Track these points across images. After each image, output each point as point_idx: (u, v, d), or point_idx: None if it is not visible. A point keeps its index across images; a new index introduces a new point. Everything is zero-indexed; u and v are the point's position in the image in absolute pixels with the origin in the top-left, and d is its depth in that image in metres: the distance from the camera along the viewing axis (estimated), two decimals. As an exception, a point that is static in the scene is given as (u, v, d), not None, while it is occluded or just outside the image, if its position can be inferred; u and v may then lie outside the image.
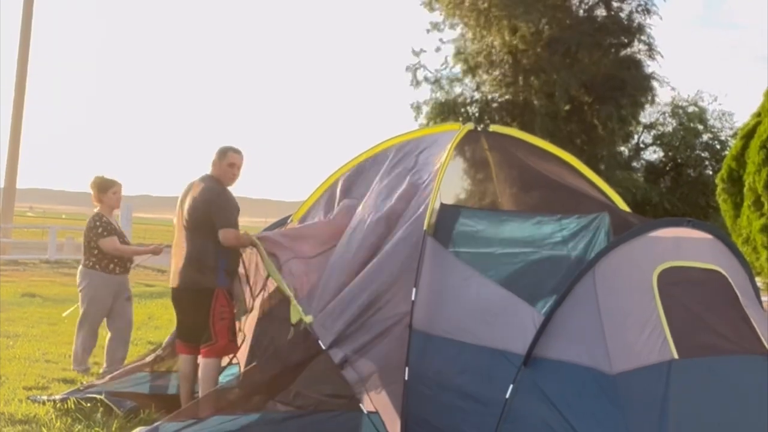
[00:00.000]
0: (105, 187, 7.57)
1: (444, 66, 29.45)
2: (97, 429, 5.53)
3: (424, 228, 5.32)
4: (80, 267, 7.64)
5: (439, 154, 5.76)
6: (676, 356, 4.49)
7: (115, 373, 6.54)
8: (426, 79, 29.48)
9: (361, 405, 5.15)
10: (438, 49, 29.51)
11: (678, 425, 4.29)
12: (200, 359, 5.81)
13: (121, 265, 7.52)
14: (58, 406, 5.98)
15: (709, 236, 5.17)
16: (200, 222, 5.81)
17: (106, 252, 7.40)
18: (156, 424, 5.07)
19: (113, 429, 5.49)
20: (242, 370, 6.83)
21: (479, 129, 6.34)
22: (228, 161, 5.99)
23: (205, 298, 5.78)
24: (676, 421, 4.29)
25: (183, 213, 5.97)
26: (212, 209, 5.77)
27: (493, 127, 6.49)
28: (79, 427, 5.54)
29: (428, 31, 29.35)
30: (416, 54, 29.44)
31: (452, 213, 5.69)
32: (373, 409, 5.07)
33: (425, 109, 29.26)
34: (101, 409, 5.87)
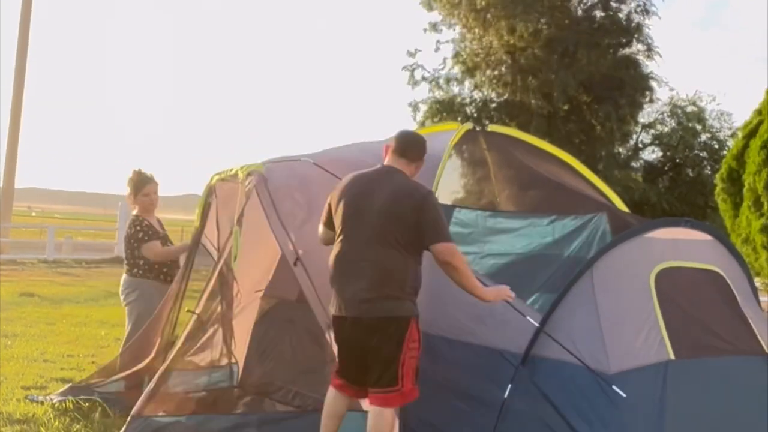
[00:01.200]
0: (137, 187, 6.65)
1: (442, 66, 29.46)
2: (95, 429, 5.53)
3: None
4: (124, 276, 6.67)
5: (438, 154, 5.77)
6: (672, 357, 4.49)
7: (116, 377, 6.42)
8: (424, 78, 29.49)
9: (361, 405, 5.16)
10: (437, 50, 29.50)
11: (675, 425, 4.30)
12: (371, 407, 4.52)
13: (171, 273, 6.54)
14: (56, 405, 5.98)
15: (707, 236, 5.18)
16: (405, 233, 4.47)
17: (150, 258, 6.52)
18: (151, 415, 5.02)
19: (111, 429, 5.49)
20: (241, 370, 6.84)
21: (478, 129, 6.35)
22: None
23: (397, 330, 4.46)
24: (673, 421, 4.30)
25: (368, 214, 4.53)
26: (428, 219, 4.45)
27: (491, 127, 6.50)
28: (77, 426, 5.53)
29: (425, 31, 29.36)
30: (412, 55, 29.46)
31: (449, 213, 5.70)
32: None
33: (423, 108, 29.27)
34: (99, 409, 5.86)
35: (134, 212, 6.70)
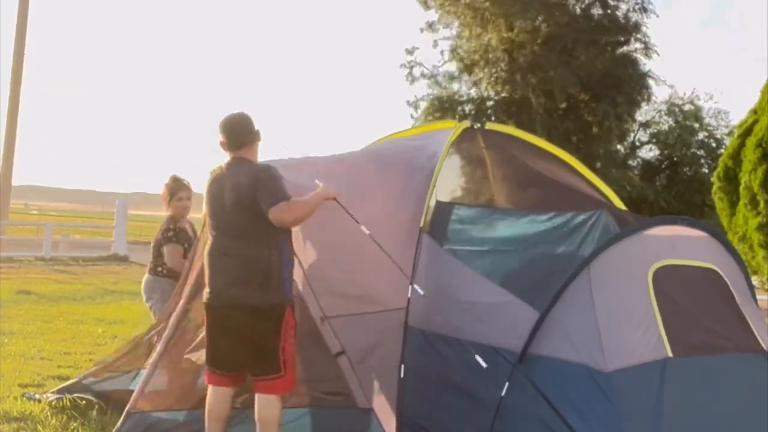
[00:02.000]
0: (173, 192, 6.72)
1: (441, 62, 29.47)
2: (92, 426, 5.53)
3: (420, 225, 5.32)
4: (146, 276, 6.72)
5: (435, 152, 5.76)
6: (670, 354, 4.49)
7: (107, 365, 6.38)
8: (423, 75, 29.50)
9: (356, 402, 5.16)
10: (435, 44, 29.51)
11: (672, 423, 4.29)
12: (260, 396, 4.67)
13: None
14: (53, 403, 5.97)
15: (704, 234, 5.18)
16: (255, 220, 4.61)
17: (167, 261, 6.51)
18: (146, 410, 5.01)
19: (108, 426, 5.49)
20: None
21: (476, 127, 6.35)
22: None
23: (271, 317, 4.62)
24: (671, 419, 4.30)
25: (227, 209, 4.71)
26: (263, 189, 4.59)
27: (489, 125, 6.49)
28: (74, 424, 5.53)
29: (422, 30, 29.37)
30: (410, 52, 29.46)
31: (447, 210, 5.70)
32: (368, 406, 5.07)
33: (422, 105, 29.28)
34: (96, 407, 5.85)
35: (170, 213, 6.78)
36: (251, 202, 4.57)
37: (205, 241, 4.98)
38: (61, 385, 6.39)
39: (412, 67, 29.47)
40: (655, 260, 4.77)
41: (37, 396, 6.20)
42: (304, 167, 5.62)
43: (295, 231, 5.11)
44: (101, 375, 6.29)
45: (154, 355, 5.17)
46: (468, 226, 5.57)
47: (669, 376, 4.41)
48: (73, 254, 22.84)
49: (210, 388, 4.76)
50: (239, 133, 4.82)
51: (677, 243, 5.00)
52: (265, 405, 4.63)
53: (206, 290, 4.72)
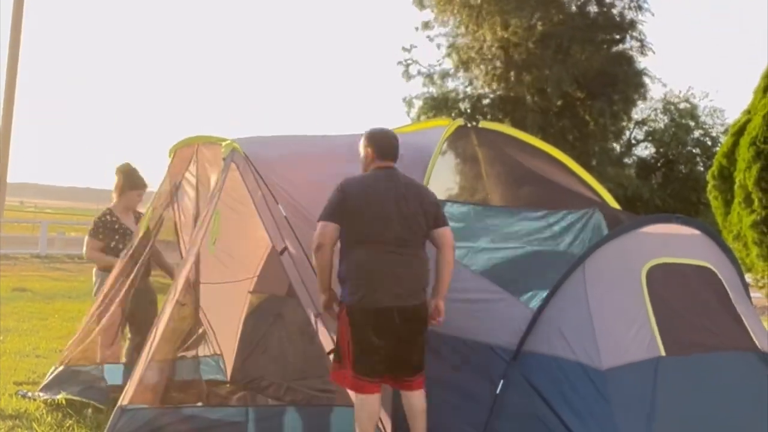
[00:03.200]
0: (133, 185, 6.67)
1: (439, 62, 29.46)
2: (87, 424, 5.52)
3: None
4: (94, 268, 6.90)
5: (429, 150, 5.77)
6: (663, 353, 4.51)
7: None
8: (419, 72, 29.50)
9: (352, 400, 5.16)
10: (431, 40, 29.48)
11: (666, 421, 4.31)
12: (413, 393, 4.70)
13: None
14: (48, 401, 5.96)
15: (698, 232, 5.19)
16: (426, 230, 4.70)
17: (84, 252, 6.74)
18: (139, 405, 4.96)
19: (104, 424, 5.49)
20: (231, 366, 6.85)
21: (469, 125, 6.36)
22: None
23: (425, 319, 4.74)
24: (664, 417, 4.31)
25: (405, 215, 4.63)
26: (440, 214, 4.76)
27: (482, 123, 6.51)
28: (70, 422, 5.53)
29: (417, 29, 29.37)
30: (407, 50, 29.46)
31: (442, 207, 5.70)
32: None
33: (417, 103, 29.29)
34: (91, 407, 5.84)
35: (112, 204, 6.76)
36: (428, 218, 4.66)
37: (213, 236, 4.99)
38: (50, 373, 6.34)
39: (408, 65, 29.47)
40: (649, 258, 4.78)
41: (30, 394, 6.19)
42: (299, 162, 5.61)
43: (287, 229, 5.10)
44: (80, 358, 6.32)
45: (145, 349, 5.13)
46: (461, 224, 5.58)
47: (662, 374, 4.42)
48: (69, 252, 22.79)
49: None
50: (396, 144, 4.87)
51: (671, 241, 5.01)
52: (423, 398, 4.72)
53: (370, 295, 4.57)
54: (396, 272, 4.57)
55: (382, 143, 4.84)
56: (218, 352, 6.88)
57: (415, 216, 4.63)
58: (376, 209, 4.60)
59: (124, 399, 4.88)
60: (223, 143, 5.43)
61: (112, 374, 6.28)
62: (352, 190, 4.64)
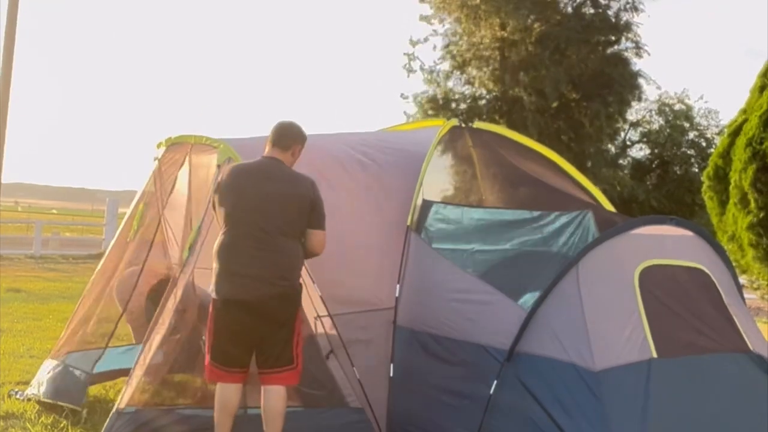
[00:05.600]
0: None
1: (440, 61, 29.44)
2: (83, 426, 5.51)
3: (408, 224, 5.33)
4: None
5: (423, 150, 5.77)
6: (655, 355, 4.52)
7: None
8: (421, 68, 29.47)
9: (347, 401, 5.16)
10: (427, 39, 29.45)
11: (658, 423, 4.32)
12: (270, 388, 4.69)
13: None
14: (42, 401, 5.94)
15: (692, 234, 5.20)
16: (296, 220, 4.69)
17: None
18: (136, 406, 4.95)
19: (99, 426, 5.47)
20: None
21: (463, 126, 6.37)
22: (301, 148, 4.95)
23: (293, 309, 4.71)
24: (657, 419, 4.32)
25: (260, 207, 4.65)
26: (316, 207, 4.73)
27: (477, 124, 6.52)
28: (65, 423, 5.52)
29: (420, 19, 29.34)
30: (413, 43, 29.40)
31: (435, 209, 5.72)
32: (359, 406, 5.08)
33: (416, 101, 29.25)
34: (85, 408, 5.82)
35: None
36: (299, 214, 4.64)
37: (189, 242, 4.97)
38: (43, 367, 6.31)
39: (411, 60, 29.43)
40: (642, 260, 4.79)
41: (20, 394, 6.17)
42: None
43: None
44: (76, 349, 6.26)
45: (142, 356, 5.11)
46: (455, 225, 5.59)
47: (654, 376, 4.43)
48: (63, 252, 22.73)
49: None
50: (291, 134, 4.86)
51: (665, 243, 5.02)
52: (280, 395, 4.69)
53: (228, 283, 4.61)
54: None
55: (273, 131, 4.88)
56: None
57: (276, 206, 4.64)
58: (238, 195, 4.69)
59: (121, 402, 4.87)
60: (219, 147, 5.41)
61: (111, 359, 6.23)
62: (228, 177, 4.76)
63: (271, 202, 4.62)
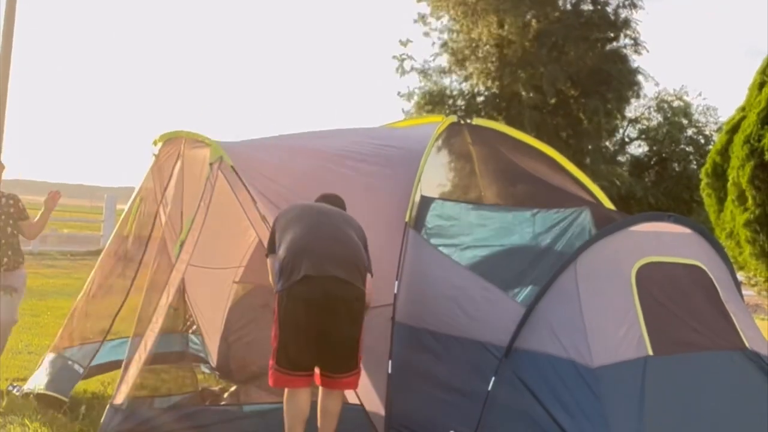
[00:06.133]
0: None
1: (434, 57, 29.41)
2: (81, 421, 5.51)
3: (406, 220, 5.33)
4: None
5: (421, 147, 5.77)
6: (651, 353, 4.52)
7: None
8: (414, 68, 29.44)
9: (345, 398, 5.16)
10: (426, 34, 29.42)
11: (654, 420, 4.33)
12: (332, 393, 4.64)
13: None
14: (40, 397, 5.94)
15: (689, 231, 5.21)
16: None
17: None
18: (132, 403, 4.93)
19: (97, 422, 5.47)
20: (214, 356, 6.86)
21: (462, 122, 6.36)
22: None
23: (362, 310, 4.59)
24: (653, 416, 4.33)
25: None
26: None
27: (476, 120, 6.51)
28: (63, 419, 5.51)
29: (415, 21, 29.31)
30: (403, 44, 29.38)
31: (433, 206, 5.71)
32: (357, 402, 5.08)
33: (413, 99, 29.24)
34: (84, 404, 5.82)
35: None
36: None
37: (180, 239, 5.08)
38: (41, 363, 6.31)
39: (403, 60, 29.40)
40: (639, 257, 4.80)
41: (17, 389, 6.17)
42: (284, 155, 5.63)
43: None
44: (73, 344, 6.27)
45: (138, 352, 5.11)
46: (453, 222, 5.59)
47: (650, 374, 4.44)
48: (62, 249, 22.72)
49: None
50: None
51: (663, 240, 5.03)
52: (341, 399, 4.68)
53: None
54: None
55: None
56: (192, 330, 6.96)
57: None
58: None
59: (116, 398, 4.86)
60: (211, 146, 5.44)
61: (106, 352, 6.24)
62: None
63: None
